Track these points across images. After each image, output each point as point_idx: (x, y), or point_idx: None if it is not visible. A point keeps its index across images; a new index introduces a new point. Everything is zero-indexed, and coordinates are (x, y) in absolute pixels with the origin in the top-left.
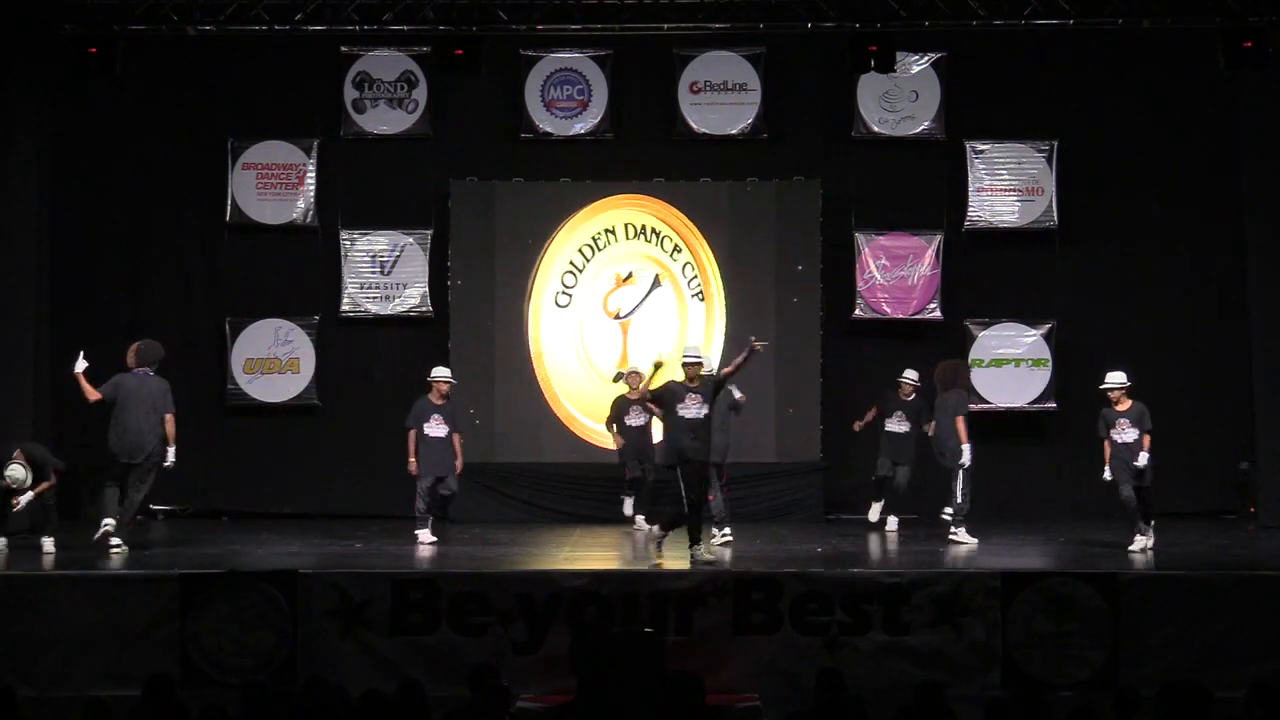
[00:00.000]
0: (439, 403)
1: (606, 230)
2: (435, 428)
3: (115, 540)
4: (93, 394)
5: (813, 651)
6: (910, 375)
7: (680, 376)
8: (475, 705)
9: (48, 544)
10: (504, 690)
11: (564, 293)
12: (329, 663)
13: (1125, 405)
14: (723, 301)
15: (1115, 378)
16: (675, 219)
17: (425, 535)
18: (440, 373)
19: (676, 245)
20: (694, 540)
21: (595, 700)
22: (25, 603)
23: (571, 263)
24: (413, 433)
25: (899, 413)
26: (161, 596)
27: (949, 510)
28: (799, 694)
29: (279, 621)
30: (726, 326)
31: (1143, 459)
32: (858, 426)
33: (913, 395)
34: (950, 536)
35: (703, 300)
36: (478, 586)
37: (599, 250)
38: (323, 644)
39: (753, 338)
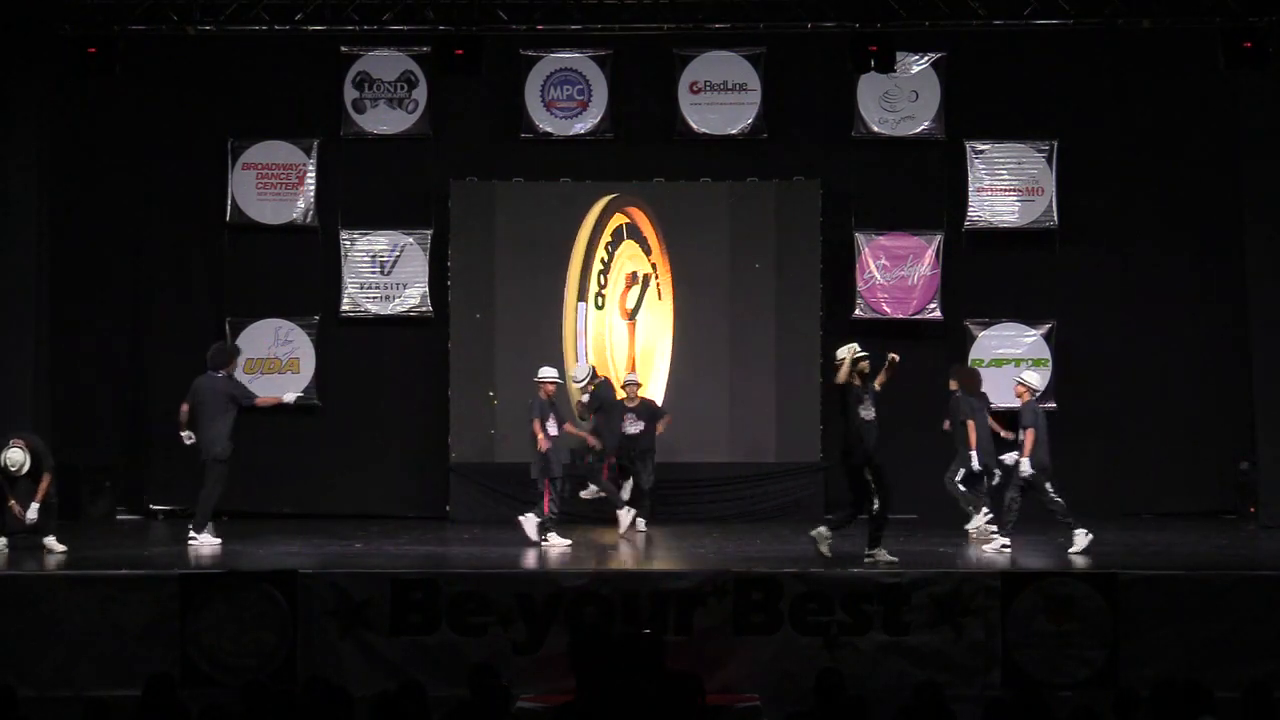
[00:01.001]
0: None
1: (616, 230)
2: (553, 426)
3: (194, 537)
4: (184, 406)
5: (813, 651)
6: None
7: None
8: (475, 705)
9: (48, 543)
10: (504, 690)
11: (599, 294)
12: (329, 663)
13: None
14: (671, 302)
15: (1023, 376)
16: (643, 219)
17: (558, 540)
18: (547, 373)
19: (649, 246)
20: (874, 542)
21: (595, 700)
22: (25, 603)
23: (602, 260)
24: (537, 421)
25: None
26: (161, 596)
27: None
28: (799, 694)
29: (279, 621)
30: (674, 327)
31: (1009, 457)
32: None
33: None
34: (1001, 549)
35: (660, 299)
36: (478, 586)
37: (615, 249)
38: (323, 644)
39: (892, 354)
